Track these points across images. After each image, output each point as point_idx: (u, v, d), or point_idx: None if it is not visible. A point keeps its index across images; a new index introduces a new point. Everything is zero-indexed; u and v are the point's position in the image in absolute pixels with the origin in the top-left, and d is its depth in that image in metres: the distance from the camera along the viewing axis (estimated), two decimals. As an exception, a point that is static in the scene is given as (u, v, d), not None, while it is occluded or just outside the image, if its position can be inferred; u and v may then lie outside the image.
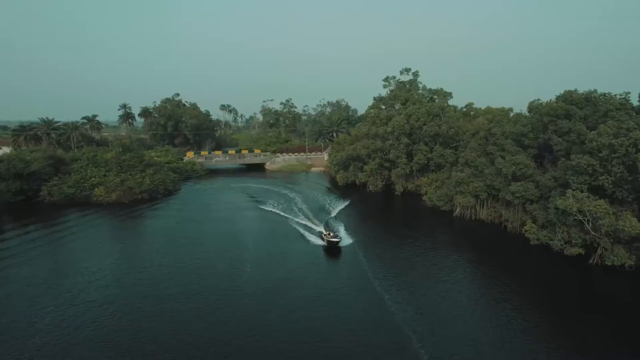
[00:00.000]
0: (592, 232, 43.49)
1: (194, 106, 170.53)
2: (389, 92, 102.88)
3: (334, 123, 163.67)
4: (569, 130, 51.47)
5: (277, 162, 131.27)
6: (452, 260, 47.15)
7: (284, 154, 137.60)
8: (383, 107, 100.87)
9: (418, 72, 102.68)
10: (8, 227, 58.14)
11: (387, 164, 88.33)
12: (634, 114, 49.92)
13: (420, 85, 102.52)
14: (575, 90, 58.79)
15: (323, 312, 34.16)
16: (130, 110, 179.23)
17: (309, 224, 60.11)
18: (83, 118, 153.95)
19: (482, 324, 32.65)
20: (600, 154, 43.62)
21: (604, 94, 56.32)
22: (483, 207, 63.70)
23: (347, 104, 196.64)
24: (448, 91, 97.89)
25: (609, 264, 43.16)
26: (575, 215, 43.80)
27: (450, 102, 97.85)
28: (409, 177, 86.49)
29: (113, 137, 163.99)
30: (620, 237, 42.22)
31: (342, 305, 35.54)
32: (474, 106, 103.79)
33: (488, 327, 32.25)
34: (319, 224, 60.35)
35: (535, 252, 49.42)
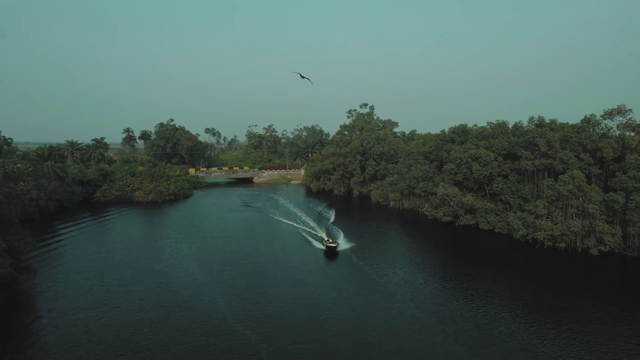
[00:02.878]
0: (454, 206, 76.98)
1: (183, 129, 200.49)
2: (352, 121, 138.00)
3: (309, 145, 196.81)
4: (448, 149, 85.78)
5: (263, 176, 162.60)
6: (386, 229, 79.48)
7: (268, 170, 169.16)
8: (346, 132, 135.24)
9: (373, 106, 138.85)
10: (80, 217, 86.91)
11: (347, 175, 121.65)
12: (490, 138, 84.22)
13: (375, 117, 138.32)
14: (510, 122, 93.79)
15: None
16: (133, 133, 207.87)
17: (290, 211, 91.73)
18: (93, 140, 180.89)
19: (396, 257, 64.74)
20: (456, 163, 77.63)
21: (474, 125, 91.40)
22: (406, 200, 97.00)
23: (320, 128, 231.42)
24: (395, 121, 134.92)
25: (464, 224, 76.51)
26: (445, 198, 77.30)
27: (399, 128, 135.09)
28: (363, 184, 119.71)
29: (119, 156, 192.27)
30: (467, 209, 75.78)
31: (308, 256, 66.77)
32: (417, 132, 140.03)
33: (400, 253, 64.41)
34: (299, 211, 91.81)
35: (430, 222, 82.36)
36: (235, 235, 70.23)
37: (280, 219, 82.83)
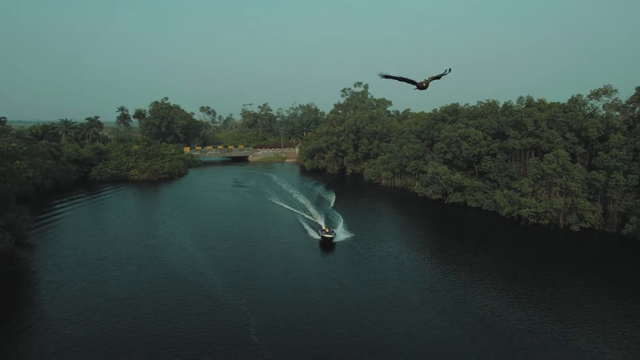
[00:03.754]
0: (443, 185, 78.73)
1: (178, 108, 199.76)
2: (346, 100, 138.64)
3: (304, 124, 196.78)
4: (439, 128, 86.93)
5: (258, 155, 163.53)
6: (376, 206, 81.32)
7: (263, 149, 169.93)
8: (340, 111, 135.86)
9: (367, 85, 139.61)
10: (76, 195, 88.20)
11: (340, 153, 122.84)
12: (480, 117, 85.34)
13: (369, 96, 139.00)
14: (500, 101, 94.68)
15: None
16: (127, 112, 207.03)
17: (283, 187, 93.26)
18: (87, 119, 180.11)
19: (382, 225, 66.69)
20: (446, 141, 78.96)
21: (465, 105, 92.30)
22: (397, 178, 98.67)
23: (316, 107, 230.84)
24: (389, 100, 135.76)
25: (452, 201, 78.43)
26: (435, 176, 78.93)
27: (394, 107, 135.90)
28: (356, 163, 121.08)
29: (114, 135, 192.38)
30: (456, 187, 77.56)
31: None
32: (410, 111, 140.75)
33: (387, 225, 66.39)
34: (292, 190, 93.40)
35: (420, 200, 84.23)
36: (228, 212, 71.93)
37: (273, 197, 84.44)
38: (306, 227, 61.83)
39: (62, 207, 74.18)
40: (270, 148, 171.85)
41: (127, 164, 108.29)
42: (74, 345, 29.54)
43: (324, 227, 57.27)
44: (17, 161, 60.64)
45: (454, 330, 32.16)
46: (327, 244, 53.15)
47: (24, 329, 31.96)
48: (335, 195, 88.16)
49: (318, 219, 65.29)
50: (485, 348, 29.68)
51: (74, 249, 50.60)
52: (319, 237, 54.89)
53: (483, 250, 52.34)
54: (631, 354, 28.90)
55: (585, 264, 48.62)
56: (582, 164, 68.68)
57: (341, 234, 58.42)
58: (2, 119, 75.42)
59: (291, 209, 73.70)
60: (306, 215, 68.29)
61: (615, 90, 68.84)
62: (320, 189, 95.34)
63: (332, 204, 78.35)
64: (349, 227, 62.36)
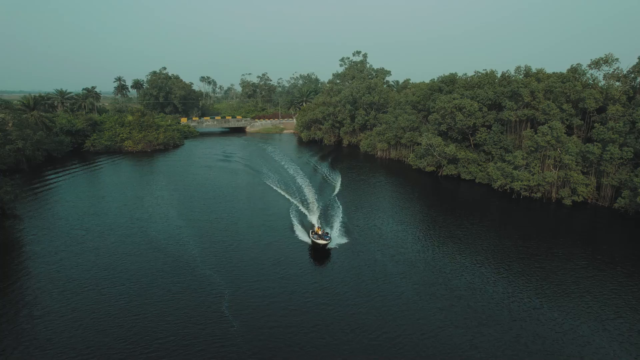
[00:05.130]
0: (437, 157, 77.54)
1: (177, 78, 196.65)
2: (344, 69, 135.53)
3: (304, 94, 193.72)
4: (435, 99, 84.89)
5: (256, 125, 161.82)
6: (369, 177, 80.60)
7: (261, 119, 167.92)
8: (338, 81, 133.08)
9: (366, 54, 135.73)
10: (68, 167, 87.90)
11: (337, 124, 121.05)
12: (477, 87, 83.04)
13: (368, 65, 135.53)
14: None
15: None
16: (125, 82, 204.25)
17: (276, 158, 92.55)
18: (84, 89, 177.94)
19: (380, 198, 66.21)
20: (440, 113, 77.19)
21: (464, 75, 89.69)
22: (393, 150, 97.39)
23: (316, 77, 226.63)
24: (388, 70, 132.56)
25: (446, 174, 77.48)
26: (429, 148, 77.64)
27: (393, 77, 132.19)
28: (352, 134, 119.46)
29: (111, 106, 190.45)
30: (450, 159, 76.40)
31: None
32: (410, 81, 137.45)
33: (385, 197, 65.90)
34: (283, 158, 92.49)
35: (414, 172, 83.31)
36: (217, 184, 71.52)
37: (263, 170, 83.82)
38: (294, 201, 61.40)
39: (53, 179, 74.06)
40: (269, 119, 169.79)
41: (121, 135, 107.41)
42: (46, 314, 29.76)
43: (315, 228, 44.25)
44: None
45: (428, 301, 32.02)
46: (319, 252, 41.23)
47: None
48: (329, 167, 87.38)
49: (309, 195, 64.13)
50: (458, 319, 29.56)
51: (59, 220, 50.69)
52: (308, 241, 43.51)
53: (469, 223, 51.76)
54: (618, 324, 28.72)
55: (575, 237, 47.99)
56: (578, 137, 67.16)
57: (332, 205, 57.90)
58: (-11, 89, 74.01)
59: (281, 182, 73.14)
60: (296, 190, 67.76)
61: (617, 59, 66.34)
62: (313, 161, 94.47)
63: (325, 176, 77.70)
64: (341, 199, 61.89)
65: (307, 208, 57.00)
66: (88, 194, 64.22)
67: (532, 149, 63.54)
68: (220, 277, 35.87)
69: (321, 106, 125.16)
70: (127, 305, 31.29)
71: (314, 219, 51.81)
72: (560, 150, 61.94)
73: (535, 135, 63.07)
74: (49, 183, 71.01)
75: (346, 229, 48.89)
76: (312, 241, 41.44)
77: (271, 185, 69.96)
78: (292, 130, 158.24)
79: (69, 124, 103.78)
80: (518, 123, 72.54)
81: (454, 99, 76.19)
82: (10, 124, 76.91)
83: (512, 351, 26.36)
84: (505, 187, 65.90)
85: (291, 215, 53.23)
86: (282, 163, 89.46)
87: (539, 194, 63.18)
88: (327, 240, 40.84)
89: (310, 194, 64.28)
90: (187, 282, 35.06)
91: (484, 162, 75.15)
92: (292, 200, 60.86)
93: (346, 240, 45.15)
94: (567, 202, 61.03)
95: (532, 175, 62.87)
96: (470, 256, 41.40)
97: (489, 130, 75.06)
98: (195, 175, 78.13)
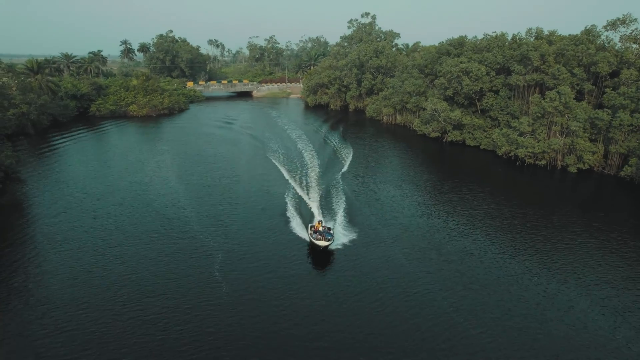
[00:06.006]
0: (442, 122, 76.06)
1: (184, 41, 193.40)
2: (352, 32, 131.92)
3: (312, 57, 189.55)
4: (443, 63, 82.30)
5: (262, 90, 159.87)
6: (372, 142, 79.79)
7: (268, 83, 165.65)
8: (346, 44, 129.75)
9: (375, 16, 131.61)
10: (73, 131, 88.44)
11: (343, 89, 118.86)
12: (485, 51, 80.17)
13: (377, 27, 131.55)
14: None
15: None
16: (131, 45, 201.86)
17: (279, 123, 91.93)
18: (90, 53, 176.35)
19: (385, 162, 65.77)
20: (447, 77, 75.01)
21: (474, 37, 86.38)
22: (399, 115, 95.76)
23: (325, 40, 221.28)
24: (397, 32, 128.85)
25: (451, 140, 76.23)
26: (434, 113, 76.07)
27: (403, 41, 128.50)
28: (359, 98, 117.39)
29: (118, 70, 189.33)
30: (455, 125, 74.91)
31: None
32: (420, 44, 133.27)
33: (388, 163, 65.48)
34: (286, 124, 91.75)
35: (419, 138, 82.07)
36: (217, 150, 71.62)
37: (266, 136, 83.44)
38: (294, 168, 61.24)
39: (58, 143, 74.84)
40: (276, 83, 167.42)
41: (126, 99, 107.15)
42: (44, 272, 30.86)
43: (315, 223, 37.02)
44: (4, 100, 60.24)
45: (416, 265, 32.27)
46: (320, 254, 34.19)
47: None
48: (332, 132, 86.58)
49: (310, 162, 63.64)
50: (445, 283, 29.83)
51: (61, 183, 51.63)
52: (307, 237, 36.41)
53: (468, 189, 51.24)
54: (602, 289, 28.74)
55: (575, 205, 47.25)
56: (589, 103, 64.98)
57: (334, 172, 57.75)
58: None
59: (282, 148, 72.85)
60: (296, 157, 67.50)
61: (635, 19, 63.02)
62: (317, 126, 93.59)
63: (328, 142, 77.14)
64: (339, 165, 61.65)
65: (307, 175, 56.90)
66: (91, 158, 64.94)
67: (539, 115, 61.75)
68: (213, 241, 36.50)
69: (327, 70, 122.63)
70: (121, 265, 32.22)
71: (314, 195, 48.42)
72: (567, 116, 60.14)
73: (543, 101, 61.15)
74: (54, 147, 71.84)
75: (345, 196, 48.85)
76: (311, 241, 34.37)
77: (271, 152, 69.74)
78: (299, 95, 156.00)
79: (74, 89, 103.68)
80: (526, 88, 70.27)
81: (461, 62, 73.78)
82: (13, 88, 77.08)
83: (493, 314, 26.67)
84: (510, 154, 64.67)
85: (290, 182, 53.18)
86: (285, 128, 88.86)
87: (543, 162, 61.97)
88: (329, 240, 33.85)
89: (310, 160, 64.06)
90: (182, 244, 35.82)
91: (490, 128, 73.55)
92: (291, 167, 60.71)
93: (345, 206, 45.20)
94: (572, 169, 59.83)
95: (538, 142, 61.45)
96: (465, 222, 41.28)
97: (496, 95, 72.95)
98: (197, 140, 78.24)
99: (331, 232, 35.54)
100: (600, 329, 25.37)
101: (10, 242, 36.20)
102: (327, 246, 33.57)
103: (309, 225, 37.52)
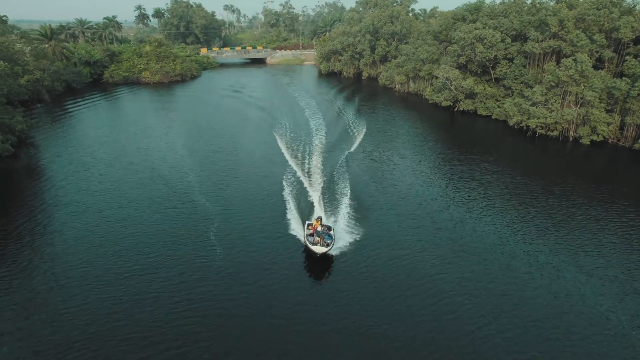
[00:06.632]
0: (454, 90, 74.28)
1: (199, 7, 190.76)
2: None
3: (328, 23, 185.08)
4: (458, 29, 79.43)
5: (276, 57, 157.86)
6: (387, 110, 78.80)
7: (282, 50, 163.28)
8: (361, 9, 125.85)
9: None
10: (86, 97, 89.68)
11: (356, 56, 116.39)
12: (502, 16, 76.90)
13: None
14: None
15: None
16: (145, 11, 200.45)
17: (289, 90, 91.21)
18: (104, 18, 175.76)
19: (395, 132, 65.24)
20: (460, 44, 72.57)
21: (492, 1, 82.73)
22: (411, 83, 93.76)
23: (342, 5, 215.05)
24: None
25: (462, 109, 74.62)
26: (446, 81, 74.23)
27: (421, 6, 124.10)
28: (372, 66, 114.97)
29: (134, 36, 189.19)
30: (467, 94, 73.07)
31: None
32: (438, 9, 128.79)
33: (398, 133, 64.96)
34: (298, 90, 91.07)
35: (430, 107, 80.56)
36: (226, 116, 72.05)
37: (275, 103, 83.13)
38: (300, 136, 61.24)
39: (72, 109, 76.34)
40: (290, 50, 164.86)
41: (138, 66, 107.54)
42: (49, 233, 32.51)
43: (313, 221, 31.64)
44: (18, 67, 61.34)
45: (409, 233, 32.61)
46: (317, 260, 29.15)
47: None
48: (343, 100, 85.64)
49: (317, 132, 63.32)
50: (435, 250, 30.19)
51: (72, 148, 53.15)
52: (301, 238, 31.42)
53: (472, 159, 50.62)
54: (593, 260, 28.70)
55: (581, 176, 46.15)
56: (608, 71, 62.29)
57: (339, 142, 57.61)
58: (4, 18, 74.21)
59: (290, 116, 72.67)
60: (304, 125, 67.35)
61: (664, -19, 59.21)
62: (327, 93, 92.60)
63: (338, 110, 76.54)
64: (350, 139, 61.39)
65: (312, 145, 56.94)
66: (102, 124, 66.29)
67: (553, 84, 59.62)
68: (212, 206, 37.43)
69: (341, 36, 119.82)
70: (122, 226, 33.59)
71: (317, 175, 44.83)
72: (583, 85, 57.90)
73: (558, 69, 58.86)
74: (68, 113, 73.39)
75: (347, 163, 48.94)
76: (307, 247, 29.28)
77: (279, 120, 69.69)
78: (313, 62, 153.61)
79: (87, 55, 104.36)
80: (543, 56, 67.57)
81: (475, 28, 71.08)
82: (27, 54, 78.19)
83: (480, 281, 27.01)
84: (522, 125, 63.05)
85: (296, 152, 53.25)
86: (295, 95, 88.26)
87: (555, 133, 60.26)
88: (328, 244, 28.93)
89: (317, 129, 63.89)
90: (182, 208, 36.94)
91: (503, 97, 71.51)
92: (298, 135, 60.70)
93: (345, 169, 45.41)
94: (585, 141, 58.15)
95: (550, 112, 59.62)
96: (464, 191, 41.11)
97: (510, 63, 70.46)
98: (206, 107, 78.71)
99: (331, 233, 30.36)
100: (583, 297, 25.50)
101: (21, 203, 37.98)
102: (325, 252, 28.39)
103: (306, 223, 32.15)
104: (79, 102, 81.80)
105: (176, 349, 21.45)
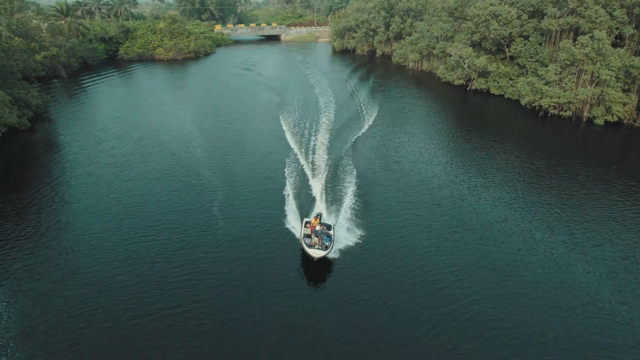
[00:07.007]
0: (467, 69, 73.00)
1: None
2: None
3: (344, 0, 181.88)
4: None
5: (291, 34, 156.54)
6: (397, 88, 78.18)
7: (297, 27, 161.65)
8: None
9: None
10: (103, 73, 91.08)
11: (371, 33, 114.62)
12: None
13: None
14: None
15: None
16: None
17: (301, 67, 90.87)
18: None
19: (407, 108, 64.99)
20: (474, 21, 70.81)
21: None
22: (425, 61, 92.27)
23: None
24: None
25: (475, 88, 73.45)
26: (459, 59, 72.90)
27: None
28: (387, 43, 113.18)
29: (148, 13, 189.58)
30: (480, 72, 71.70)
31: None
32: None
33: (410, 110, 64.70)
34: (310, 67, 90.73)
35: (443, 85, 79.44)
36: (236, 93, 72.67)
37: (288, 79, 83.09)
38: (309, 112, 61.47)
39: (87, 85, 78.04)
40: (305, 26, 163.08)
41: (152, 42, 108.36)
42: (61, 201, 34.18)
43: (312, 220, 28.89)
44: (35, 43, 62.64)
45: (407, 208, 33.12)
46: (314, 264, 26.59)
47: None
48: (355, 78, 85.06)
49: (325, 107, 63.55)
50: (431, 225, 30.71)
51: (85, 123, 54.84)
52: (298, 238, 28.81)
53: (479, 137, 50.19)
54: (588, 238, 28.85)
55: (588, 156, 45.49)
56: (628, 49, 60.22)
57: (350, 120, 57.73)
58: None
59: (301, 93, 72.74)
60: (313, 102, 67.44)
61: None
62: (339, 71, 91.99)
63: (348, 88, 76.26)
64: (359, 114, 61.39)
65: (319, 123, 57.21)
66: (115, 100, 67.79)
67: (568, 62, 58.07)
68: (217, 180, 38.48)
69: (355, 13, 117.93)
70: (129, 197, 35.09)
71: (321, 160, 43.28)
72: (600, 64, 56.27)
73: (573, 47, 57.21)
74: (83, 89, 75.10)
75: (354, 146, 49.23)
76: (303, 250, 26.88)
77: (289, 97, 69.90)
78: (327, 39, 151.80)
79: (102, 31, 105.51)
80: (560, 33, 65.54)
81: (490, 5, 69.12)
82: (44, 31, 79.63)
83: (472, 255, 27.48)
84: (534, 104, 61.86)
85: (303, 128, 53.68)
86: (307, 72, 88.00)
87: (568, 113, 59.03)
88: (326, 247, 26.46)
89: (326, 107, 63.95)
90: (187, 180, 38.20)
91: (516, 76, 69.98)
92: (305, 113, 60.91)
93: (351, 151, 45.83)
94: (599, 121, 56.87)
95: (564, 91, 58.30)
96: (467, 169, 41.13)
97: (526, 41, 68.61)
98: (218, 84, 79.45)
99: (331, 233, 27.85)
100: (574, 274, 25.77)
101: (37, 174, 39.87)
102: (323, 257, 25.92)
103: (304, 220, 29.67)
104: (94, 78, 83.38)
105: (174, 309, 22.77)
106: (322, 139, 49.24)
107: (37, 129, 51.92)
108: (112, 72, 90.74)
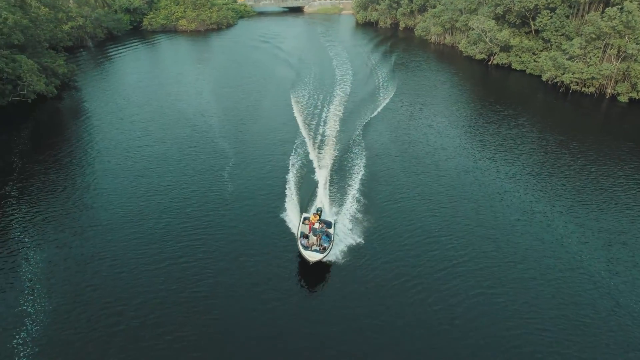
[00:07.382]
0: (489, 43, 71.25)
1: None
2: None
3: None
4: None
5: (314, 5, 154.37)
6: (417, 62, 77.26)
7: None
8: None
9: None
10: (127, 44, 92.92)
11: (394, 5, 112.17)
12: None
13: None
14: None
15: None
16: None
17: (321, 41, 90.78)
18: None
19: (428, 83, 64.72)
20: (499, -9, 68.68)
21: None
22: (448, 35, 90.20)
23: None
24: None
25: (497, 62, 71.80)
26: (481, 33, 71.14)
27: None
28: (410, 16, 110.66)
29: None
30: (502, 47, 69.89)
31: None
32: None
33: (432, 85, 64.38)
34: (331, 41, 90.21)
35: (464, 60, 78.01)
36: (255, 64, 73.51)
37: (307, 55, 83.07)
38: (325, 87, 61.86)
39: (112, 55, 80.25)
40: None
41: (176, 13, 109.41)
42: (82, 164, 36.58)
43: (311, 216, 26.76)
44: (61, 13, 64.66)
45: (411, 177, 33.91)
46: (311, 269, 23.98)
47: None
48: (374, 51, 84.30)
49: (342, 81, 63.79)
50: (433, 195, 31.46)
51: (109, 91, 57.21)
52: (296, 234, 26.32)
53: (494, 112, 49.81)
54: (587, 212, 29.13)
55: (604, 133, 44.80)
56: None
57: (365, 98, 57.94)
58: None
59: (319, 67, 72.89)
60: (330, 76, 67.65)
61: None
62: (360, 44, 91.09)
63: (365, 62, 75.90)
64: (378, 89, 61.44)
65: (333, 95, 57.67)
66: (137, 70, 69.81)
67: (594, 36, 56.00)
68: (230, 147, 40.05)
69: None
70: (147, 162, 37.19)
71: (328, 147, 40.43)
72: (628, 37, 54.12)
73: (600, 19, 55.04)
74: (109, 59, 77.40)
75: (369, 124, 49.71)
76: (300, 253, 24.30)
77: (308, 72, 70.20)
78: (351, 11, 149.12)
79: (127, 2, 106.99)
80: (589, 5, 62.94)
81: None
82: (70, 1, 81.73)
83: (468, 224, 28.32)
84: (555, 80, 60.32)
85: (318, 104, 54.16)
86: (326, 46, 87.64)
87: (591, 89, 57.39)
88: (324, 247, 24.32)
89: (342, 79, 64.17)
90: (202, 146, 40.04)
91: (540, 51, 67.91)
92: (322, 86, 61.32)
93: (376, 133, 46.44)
94: (623, 98, 55.23)
95: (588, 67, 56.52)
96: (477, 143, 41.32)
97: (552, 13, 66.16)
98: (237, 55, 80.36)
99: (330, 232, 25.62)
100: (568, 244, 26.32)
101: (62, 139, 42.56)
102: (319, 260, 23.54)
103: (303, 216, 27.37)
104: (119, 48, 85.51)
105: (178, 263, 24.74)
106: (335, 111, 49.96)
107: (64, 96, 54.46)
108: (136, 42, 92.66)
